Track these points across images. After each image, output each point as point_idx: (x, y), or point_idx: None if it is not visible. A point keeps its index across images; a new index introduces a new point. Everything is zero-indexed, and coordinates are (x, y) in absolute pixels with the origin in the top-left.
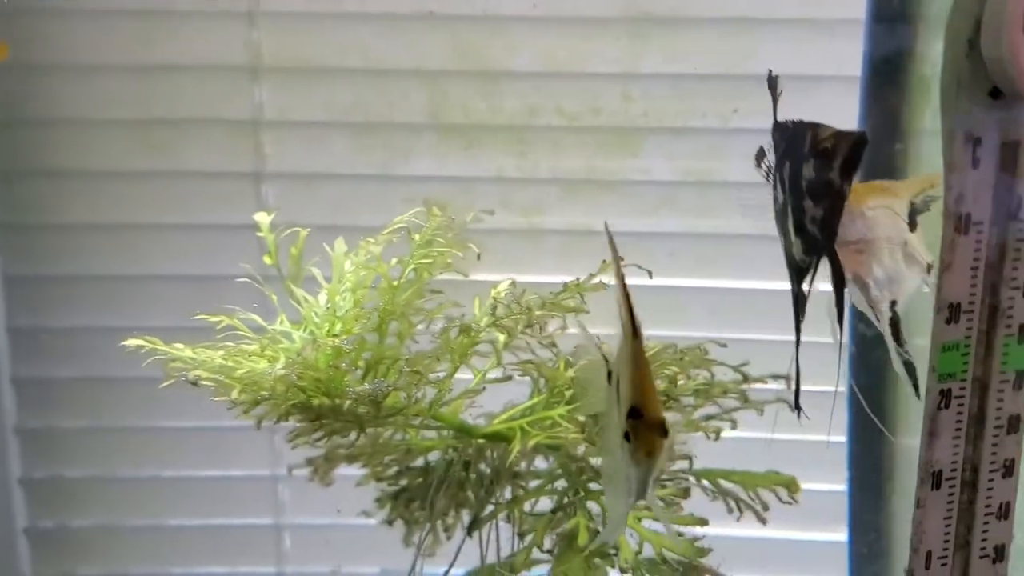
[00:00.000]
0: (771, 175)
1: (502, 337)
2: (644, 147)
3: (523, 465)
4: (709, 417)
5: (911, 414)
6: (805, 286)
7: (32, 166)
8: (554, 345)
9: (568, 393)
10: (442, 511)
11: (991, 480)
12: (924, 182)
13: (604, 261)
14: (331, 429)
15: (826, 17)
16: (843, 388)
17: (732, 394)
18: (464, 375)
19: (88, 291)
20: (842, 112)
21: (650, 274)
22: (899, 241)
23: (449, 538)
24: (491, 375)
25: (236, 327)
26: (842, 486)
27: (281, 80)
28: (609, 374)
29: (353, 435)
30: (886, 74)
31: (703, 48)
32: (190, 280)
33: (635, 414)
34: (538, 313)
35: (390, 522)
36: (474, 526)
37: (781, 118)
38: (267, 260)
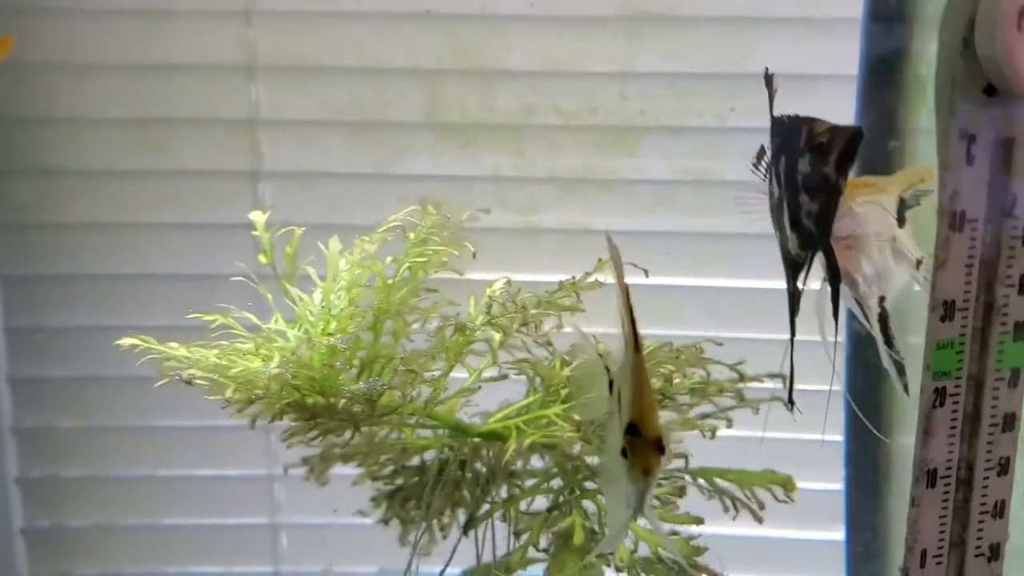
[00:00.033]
0: (767, 170)
1: (498, 336)
2: (641, 146)
3: (519, 464)
4: (705, 416)
5: (908, 413)
6: (800, 282)
7: (28, 165)
8: (550, 344)
9: (564, 392)
10: (438, 510)
11: (986, 478)
12: (913, 177)
13: (600, 259)
14: (326, 428)
15: (823, 16)
16: (838, 387)
17: (728, 393)
18: (460, 374)
19: (85, 290)
20: (838, 111)
21: (646, 273)
22: (888, 237)
23: (445, 537)
24: (487, 374)
25: (231, 326)
26: (839, 485)
27: (277, 79)
28: (611, 383)
29: (348, 434)
30: (882, 73)
31: (700, 47)
32: (187, 279)
33: (633, 430)
34: (533, 312)
35: (386, 521)
36: (470, 525)
37: (777, 114)
38: (262, 259)
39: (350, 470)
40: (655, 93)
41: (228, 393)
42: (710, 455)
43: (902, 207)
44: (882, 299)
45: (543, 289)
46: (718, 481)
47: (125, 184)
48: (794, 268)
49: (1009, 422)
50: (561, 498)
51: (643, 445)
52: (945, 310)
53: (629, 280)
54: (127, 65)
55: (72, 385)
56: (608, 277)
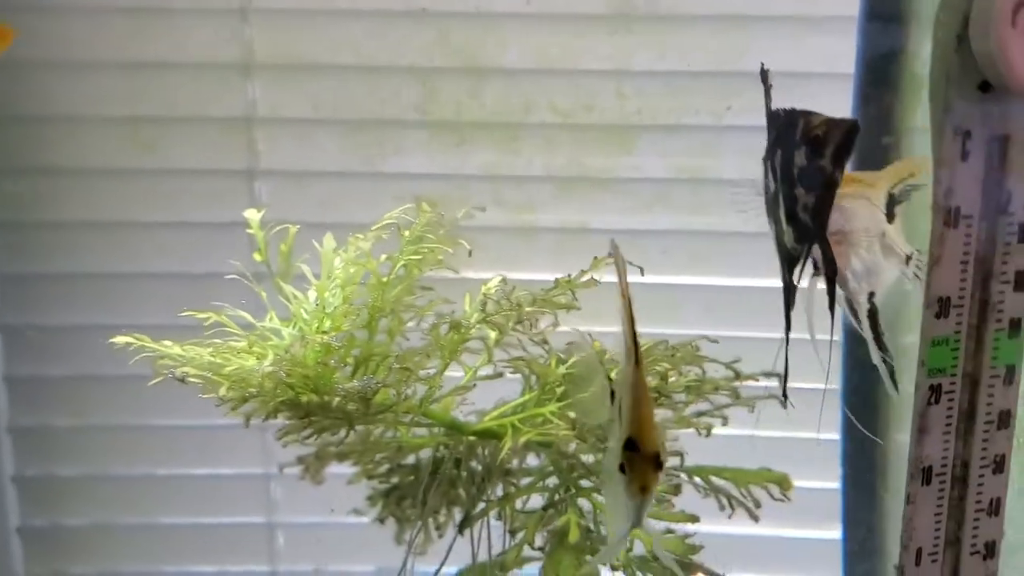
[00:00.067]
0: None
1: (493, 334)
2: (637, 144)
3: (514, 462)
4: (700, 414)
5: (904, 411)
6: (796, 277)
7: (23, 163)
8: (546, 342)
9: (559, 390)
10: (433, 509)
11: (981, 476)
12: (902, 171)
13: (596, 257)
14: (320, 426)
15: (819, 14)
16: (835, 385)
17: (723, 391)
18: (456, 372)
19: (80, 289)
20: (835, 110)
21: (641, 271)
22: (877, 232)
23: (441, 536)
24: (482, 372)
25: (224, 324)
26: (836, 483)
27: (273, 77)
28: (612, 394)
29: (343, 432)
30: (879, 72)
31: (697, 45)
32: (183, 278)
33: (631, 446)
34: (528, 309)
35: (382, 520)
36: (465, 524)
37: (773, 108)
38: (257, 257)
39: (346, 469)
40: (651, 91)
41: (222, 391)
42: (708, 454)
43: (891, 202)
44: (871, 295)
45: (540, 288)
46: (714, 479)
47: (121, 182)
48: (790, 261)
49: (1004, 419)
50: (556, 496)
51: (641, 461)
52: (940, 307)
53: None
54: (122, 63)
55: (68, 384)
56: (605, 276)
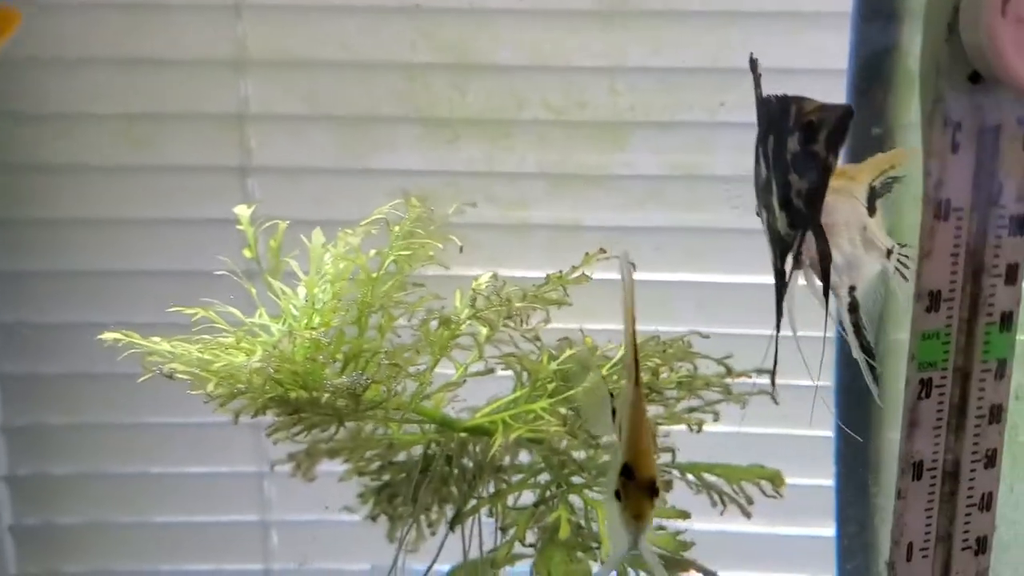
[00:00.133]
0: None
1: (484, 330)
2: (631, 141)
3: (506, 459)
4: (692, 410)
5: (898, 407)
6: (788, 262)
7: (16, 160)
8: (537, 338)
9: (551, 386)
10: (425, 506)
11: (973, 471)
12: (883, 164)
13: (587, 253)
14: (310, 423)
15: (813, 10)
16: (828, 382)
17: (715, 387)
18: (448, 370)
19: (73, 286)
20: None
21: (633, 266)
22: (858, 226)
23: (433, 533)
24: (473, 368)
25: (213, 320)
26: (829, 480)
27: (266, 74)
28: (614, 412)
29: (333, 429)
30: (872, 68)
31: (690, 41)
32: (176, 275)
33: (626, 472)
34: (518, 305)
35: (373, 517)
36: (456, 520)
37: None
38: (247, 253)
39: (339, 466)
40: (645, 87)
41: (210, 387)
42: (700, 451)
43: (872, 195)
44: (852, 289)
45: (532, 284)
46: (706, 476)
47: (113, 180)
48: (782, 248)
49: (996, 414)
50: (548, 493)
51: (636, 489)
52: (931, 300)
53: (618, 276)
54: (115, 60)
55: (61, 382)
56: (597, 273)
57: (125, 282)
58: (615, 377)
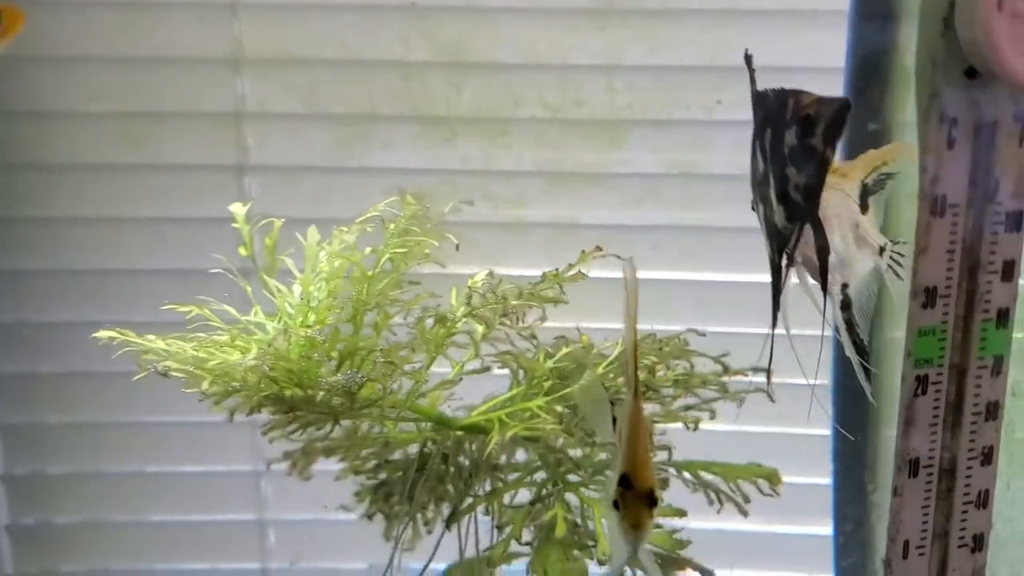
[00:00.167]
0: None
1: (480, 328)
2: (628, 139)
3: (502, 457)
4: (688, 407)
5: (895, 406)
6: (786, 256)
7: (12, 159)
8: (534, 336)
9: (547, 384)
10: (421, 504)
11: (969, 468)
12: (875, 160)
13: (583, 251)
14: (305, 421)
15: (810, 8)
16: (830, 377)
17: (711, 385)
18: (444, 368)
19: (70, 285)
20: None
21: (619, 258)
22: (850, 223)
23: (429, 532)
24: (469, 367)
25: (208, 318)
26: (827, 479)
27: (263, 72)
28: (614, 420)
29: (329, 427)
30: (869, 66)
31: (688, 40)
32: (173, 274)
33: (625, 482)
34: (514, 303)
35: (370, 516)
36: (453, 519)
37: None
38: (242, 251)
39: (336, 465)
40: (642, 86)
41: (204, 385)
42: (703, 451)
43: (865, 193)
44: (845, 286)
45: (528, 282)
46: (703, 474)
47: (110, 178)
48: (779, 241)
49: (992, 411)
50: (544, 491)
51: (634, 499)
52: (927, 297)
53: (614, 273)
54: (112, 58)
55: (58, 381)
56: (593, 271)
57: (122, 281)
58: (611, 375)
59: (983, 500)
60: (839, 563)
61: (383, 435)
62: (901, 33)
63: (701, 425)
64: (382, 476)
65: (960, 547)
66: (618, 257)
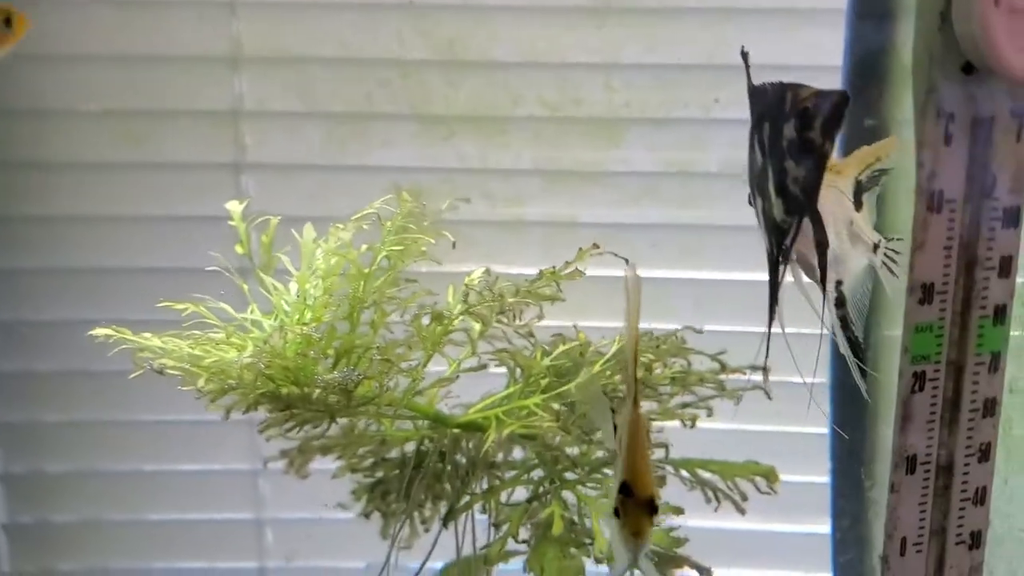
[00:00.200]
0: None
1: (477, 326)
2: (626, 137)
3: (499, 455)
4: (685, 405)
5: (893, 404)
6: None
7: (9, 157)
8: (531, 334)
9: (544, 382)
10: (418, 503)
11: (967, 465)
12: (868, 157)
13: (581, 248)
14: (302, 419)
15: (808, 7)
16: (827, 375)
17: (709, 383)
18: (441, 366)
19: (68, 284)
20: None
21: (627, 262)
22: (844, 220)
23: (427, 530)
24: (466, 364)
25: (204, 315)
26: (824, 477)
27: (261, 70)
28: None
29: (325, 425)
30: (867, 65)
31: (685, 38)
32: (170, 272)
33: (625, 490)
34: (511, 300)
35: (367, 514)
36: (449, 517)
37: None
38: (239, 249)
39: (334, 464)
40: (640, 84)
41: (200, 383)
42: (701, 449)
43: (859, 189)
44: (839, 283)
45: (526, 281)
46: (700, 472)
47: (108, 176)
48: (778, 235)
49: (990, 407)
50: (541, 489)
51: (634, 507)
52: (924, 293)
53: (611, 272)
54: (110, 56)
55: (56, 379)
56: (590, 269)
57: (120, 279)
58: (608, 373)
59: (980, 497)
60: (836, 560)
61: (380, 433)
62: (899, 31)
63: (699, 423)
64: (379, 474)
65: (958, 544)
66: (615, 255)
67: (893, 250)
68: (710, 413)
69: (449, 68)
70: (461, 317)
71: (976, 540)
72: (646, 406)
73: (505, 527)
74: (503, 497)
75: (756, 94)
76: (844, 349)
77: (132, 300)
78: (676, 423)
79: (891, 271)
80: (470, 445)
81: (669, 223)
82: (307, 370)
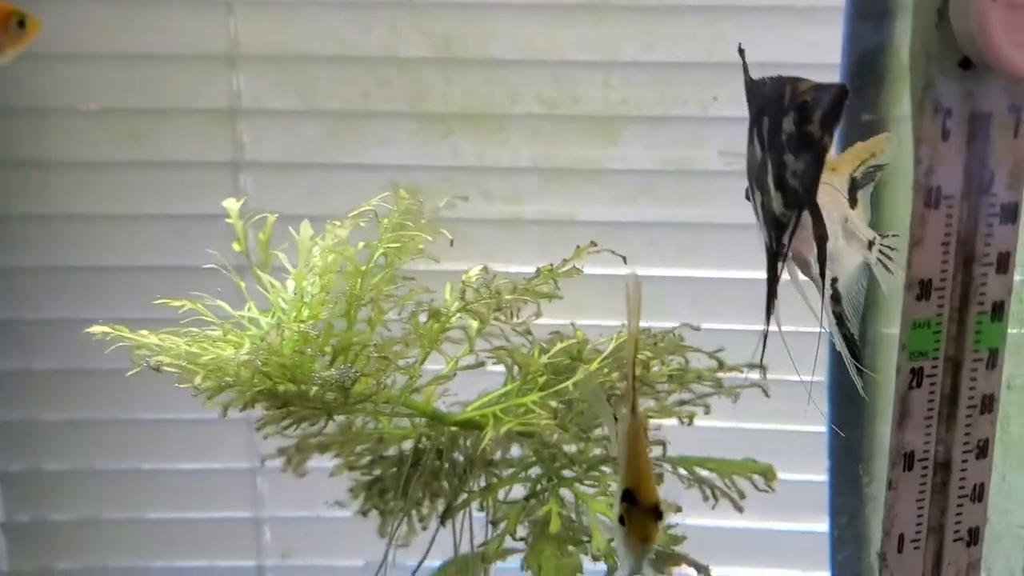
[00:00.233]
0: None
1: (475, 323)
2: (624, 135)
3: (497, 453)
4: (683, 403)
5: (891, 401)
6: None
7: (7, 155)
8: (528, 332)
9: (542, 380)
10: (416, 500)
11: (965, 461)
12: (863, 153)
13: (578, 246)
14: (299, 416)
15: (807, 5)
16: (826, 373)
17: (706, 381)
18: (439, 364)
19: (66, 282)
20: None
21: (624, 260)
22: (839, 217)
23: (424, 528)
24: (464, 362)
25: (202, 313)
26: (822, 476)
27: (259, 68)
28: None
29: (322, 423)
30: (865, 63)
31: (683, 36)
32: (169, 271)
33: (629, 497)
34: (508, 298)
35: (364, 512)
36: (447, 514)
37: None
38: (236, 247)
39: (332, 462)
40: (638, 82)
41: (197, 380)
42: (698, 447)
43: (853, 186)
44: (834, 281)
45: (523, 278)
46: (698, 470)
47: (106, 175)
48: (778, 228)
49: (987, 404)
50: (539, 486)
51: (639, 514)
52: (921, 289)
53: (610, 270)
54: (107, 54)
55: (53, 378)
56: (587, 267)
57: (118, 277)
58: (605, 370)
59: (978, 494)
60: (834, 556)
61: (377, 431)
62: (897, 29)
63: (696, 421)
64: (376, 472)
65: (955, 541)
66: (613, 253)
67: (888, 247)
68: (708, 411)
69: (447, 66)
70: (459, 315)
71: (974, 537)
72: (644, 404)
73: (503, 525)
74: (501, 495)
75: (755, 88)
76: (840, 346)
77: (130, 298)
78: (674, 421)
79: (887, 268)
80: (468, 443)
81: (667, 221)
82: (304, 367)
